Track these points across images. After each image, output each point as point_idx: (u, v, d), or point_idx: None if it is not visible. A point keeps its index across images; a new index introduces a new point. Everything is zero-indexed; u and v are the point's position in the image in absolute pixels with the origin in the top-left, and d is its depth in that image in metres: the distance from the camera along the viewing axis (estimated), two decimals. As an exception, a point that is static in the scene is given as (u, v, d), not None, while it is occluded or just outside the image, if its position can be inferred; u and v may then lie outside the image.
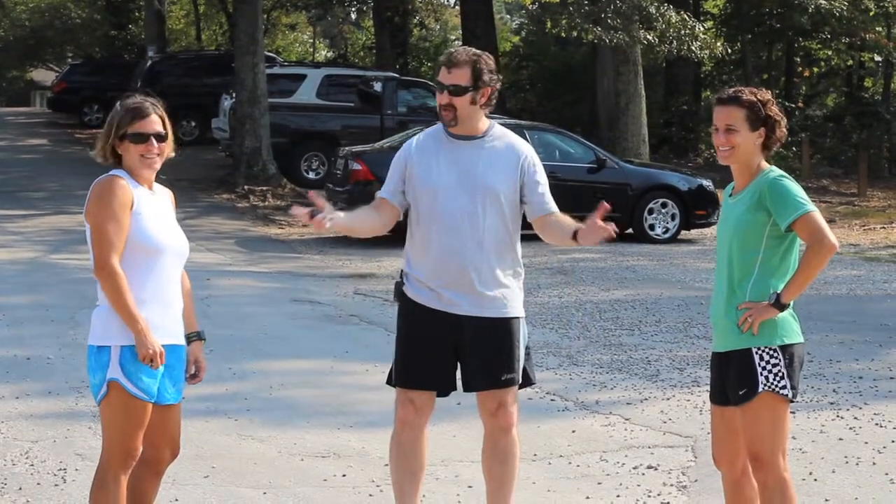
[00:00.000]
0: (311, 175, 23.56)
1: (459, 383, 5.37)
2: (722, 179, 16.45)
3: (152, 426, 4.74)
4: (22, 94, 53.15)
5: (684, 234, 18.18)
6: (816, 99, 36.17)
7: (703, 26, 26.50)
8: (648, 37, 23.18)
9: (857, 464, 6.86)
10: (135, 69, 32.54)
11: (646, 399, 8.38)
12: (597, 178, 17.76)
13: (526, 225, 5.33)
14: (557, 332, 10.75)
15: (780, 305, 4.70)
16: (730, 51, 28.18)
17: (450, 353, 5.26)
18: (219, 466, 6.72)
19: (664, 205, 17.91)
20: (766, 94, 4.83)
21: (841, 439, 7.35)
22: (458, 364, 5.31)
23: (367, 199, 5.60)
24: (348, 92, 24.69)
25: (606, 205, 4.93)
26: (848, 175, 29.06)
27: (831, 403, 8.20)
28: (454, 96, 5.17)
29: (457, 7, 38.53)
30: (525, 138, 5.99)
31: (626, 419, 7.85)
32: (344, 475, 6.61)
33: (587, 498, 6.32)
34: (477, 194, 5.18)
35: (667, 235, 17.85)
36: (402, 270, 5.39)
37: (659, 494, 6.37)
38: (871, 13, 29.96)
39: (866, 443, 7.27)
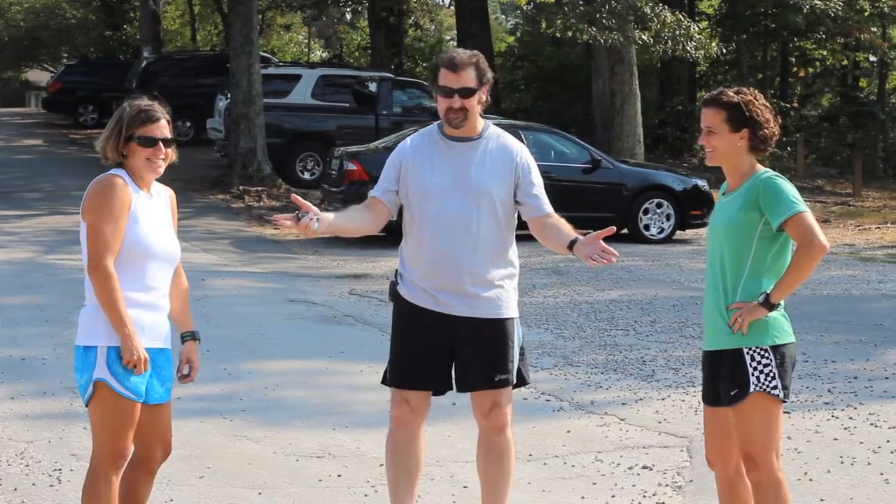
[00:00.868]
0: (307, 175, 23.55)
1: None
2: (717, 179, 16.43)
3: (142, 425, 4.74)
4: (17, 95, 53.04)
5: (679, 234, 18.19)
6: (811, 99, 36.23)
7: (698, 26, 26.52)
8: (643, 37, 23.18)
9: (853, 464, 6.86)
10: (130, 69, 32.57)
11: (641, 399, 8.38)
12: (592, 179, 17.78)
13: (521, 225, 5.33)
14: (553, 332, 10.75)
15: (769, 305, 4.69)
16: (725, 51, 28.23)
17: (444, 353, 5.26)
18: (214, 467, 6.71)
19: (659, 205, 17.92)
20: (749, 95, 4.81)
21: (836, 439, 7.35)
22: (453, 364, 5.31)
23: (362, 200, 5.59)
24: (343, 92, 24.70)
25: (613, 227, 4.97)
26: (843, 175, 29.08)
27: (826, 403, 8.20)
28: (465, 98, 5.16)
29: (452, 7, 38.48)
30: (520, 138, 6.01)
31: (622, 419, 7.85)
32: (339, 475, 6.61)
33: (582, 498, 6.32)
34: (471, 196, 5.18)
35: (662, 236, 17.87)
36: (396, 271, 5.38)
37: (654, 494, 6.37)
38: (866, 13, 30.02)
39: (861, 443, 7.27)
